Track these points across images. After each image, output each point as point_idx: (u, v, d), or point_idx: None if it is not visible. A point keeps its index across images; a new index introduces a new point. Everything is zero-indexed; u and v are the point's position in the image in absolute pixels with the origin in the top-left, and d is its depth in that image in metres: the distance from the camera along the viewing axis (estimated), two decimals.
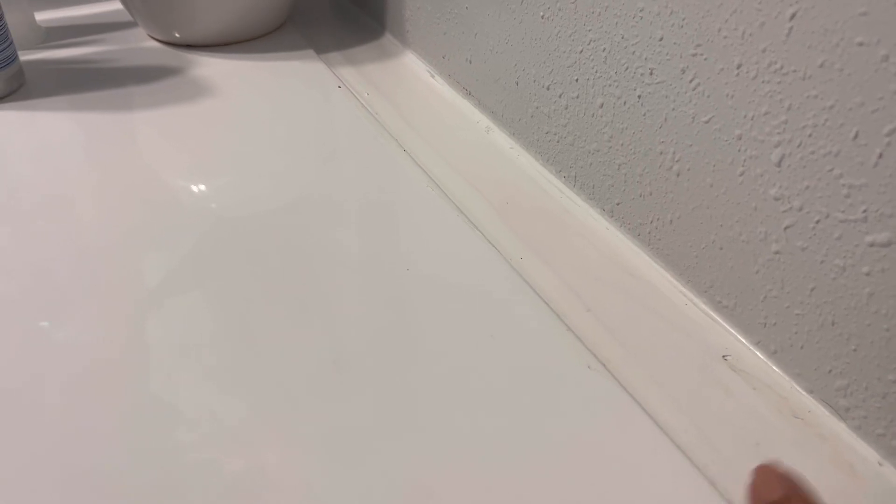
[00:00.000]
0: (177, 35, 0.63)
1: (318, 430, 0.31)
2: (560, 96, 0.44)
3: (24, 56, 0.60)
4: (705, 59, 0.33)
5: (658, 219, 0.39)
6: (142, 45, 0.64)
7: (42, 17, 0.65)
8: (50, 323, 0.36)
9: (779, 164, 0.31)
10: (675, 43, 0.35)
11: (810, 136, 0.30)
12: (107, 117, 0.53)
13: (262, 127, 0.53)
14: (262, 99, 0.57)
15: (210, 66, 0.60)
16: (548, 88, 0.45)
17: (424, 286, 0.38)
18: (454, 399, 0.32)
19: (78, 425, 0.31)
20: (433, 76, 0.59)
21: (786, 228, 0.32)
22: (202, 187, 0.47)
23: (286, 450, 0.30)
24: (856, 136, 0.28)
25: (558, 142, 0.46)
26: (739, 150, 0.33)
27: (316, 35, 0.67)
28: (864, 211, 0.28)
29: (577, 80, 0.42)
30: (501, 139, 0.51)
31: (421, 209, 0.45)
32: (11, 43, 0.54)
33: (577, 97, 0.43)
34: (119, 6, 0.66)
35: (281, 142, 0.51)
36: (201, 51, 0.62)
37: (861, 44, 0.27)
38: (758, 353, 0.35)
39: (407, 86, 0.59)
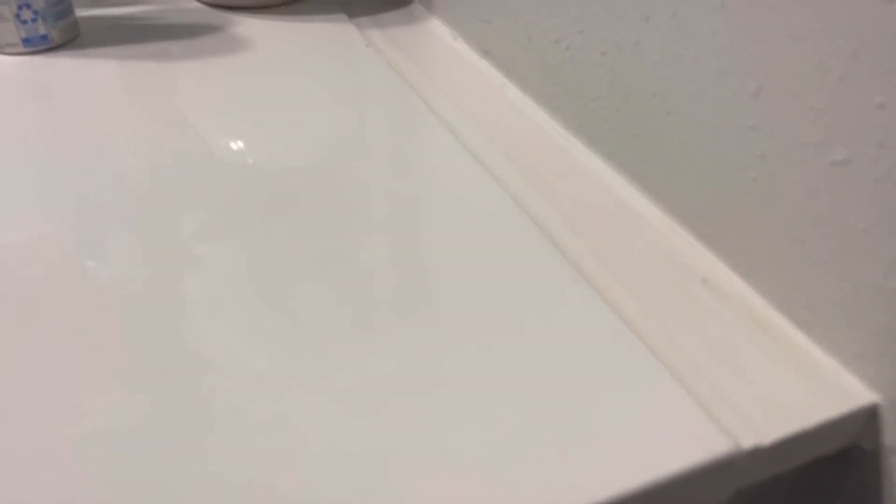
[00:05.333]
0: None
1: (342, 379, 0.32)
2: (567, 49, 0.47)
3: (81, 12, 0.65)
4: None
5: (650, 156, 0.42)
6: (186, 5, 0.68)
7: None
8: (94, 262, 0.38)
9: (755, 96, 0.34)
10: None
11: (782, 66, 0.32)
12: (151, 69, 0.58)
13: (295, 81, 0.57)
14: (296, 56, 0.61)
15: (248, 26, 0.64)
16: (556, 42, 0.48)
17: (435, 213, 0.42)
18: (457, 300, 0.36)
19: (106, 367, 0.32)
20: (455, 39, 0.63)
21: (760, 156, 0.34)
22: (235, 135, 0.51)
23: (310, 400, 0.31)
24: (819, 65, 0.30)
25: (565, 92, 0.49)
26: (720, 85, 0.36)
27: (349, 1, 0.71)
28: (826, 133, 0.31)
29: (581, 31, 0.45)
30: (515, 94, 0.55)
31: (436, 152, 0.48)
32: None
33: (582, 48, 0.46)
34: None
35: (312, 95, 0.55)
36: (240, 12, 0.67)
37: None
38: (734, 274, 0.38)
39: (430, 48, 0.62)
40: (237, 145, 0.49)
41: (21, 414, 0.30)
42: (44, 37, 0.58)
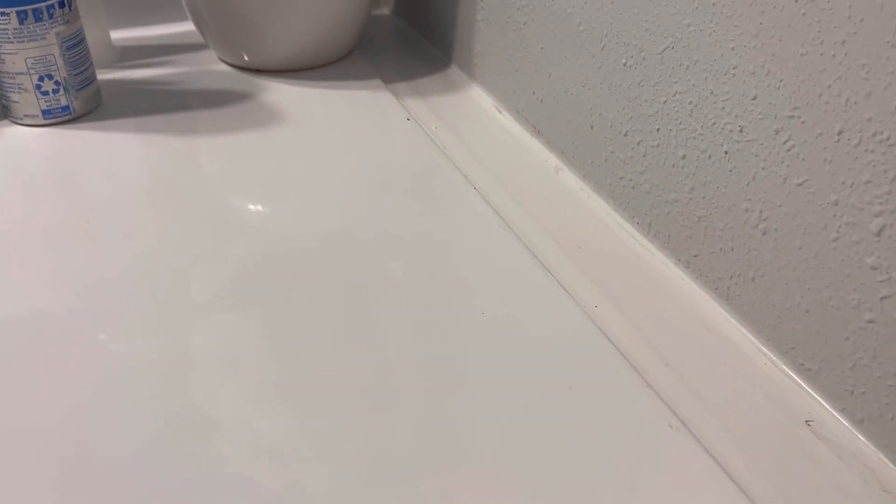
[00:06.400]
0: (246, 59, 0.63)
1: (359, 453, 0.32)
2: (638, 143, 0.44)
3: (102, 75, 0.61)
4: (803, 123, 0.33)
5: (739, 275, 0.39)
6: (212, 67, 0.65)
7: (117, 35, 0.67)
8: (106, 335, 0.38)
9: (878, 234, 0.31)
10: (769, 103, 0.35)
11: None
12: (176, 140, 0.54)
13: (330, 155, 0.54)
14: (330, 127, 0.58)
15: (278, 92, 0.61)
16: (625, 135, 0.45)
17: (493, 328, 0.38)
18: (521, 452, 0.32)
19: (122, 434, 0.32)
20: (500, 111, 0.59)
21: (882, 299, 0.31)
22: (263, 211, 0.48)
23: (324, 469, 0.31)
24: None
25: (633, 188, 0.45)
26: (834, 216, 0.33)
27: (382, 64, 0.67)
28: None
29: (658, 129, 0.42)
30: (572, 180, 0.51)
31: (491, 248, 0.45)
32: (91, 64, 0.56)
33: (658, 146, 0.42)
34: (191, 27, 0.67)
35: (347, 171, 0.52)
36: (270, 76, 0.63)
37: None
38: (843, 420, 0.34)
39: (474, 120, 0.59)
40: (267, 225, 0.46)
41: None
42: (65, 108, 0.54)
